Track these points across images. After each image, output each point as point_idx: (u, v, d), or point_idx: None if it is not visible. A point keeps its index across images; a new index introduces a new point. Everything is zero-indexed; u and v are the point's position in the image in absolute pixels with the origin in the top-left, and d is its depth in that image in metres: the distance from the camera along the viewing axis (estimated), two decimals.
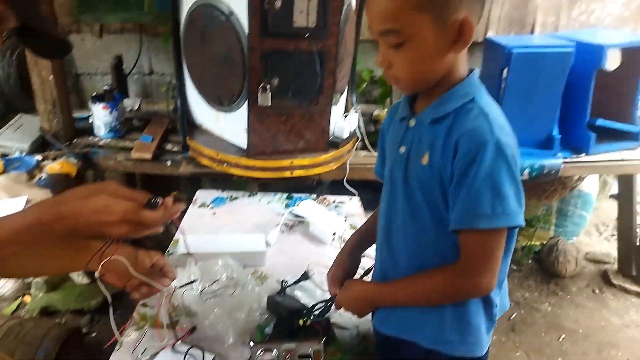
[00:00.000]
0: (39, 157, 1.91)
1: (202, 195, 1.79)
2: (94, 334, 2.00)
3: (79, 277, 2.10)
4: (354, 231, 1.54)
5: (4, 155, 1.89)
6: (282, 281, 1.32)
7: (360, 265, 1.15)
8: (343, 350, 1.05)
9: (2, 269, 0.85)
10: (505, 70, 1.93)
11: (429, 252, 0.91)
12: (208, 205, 1.73)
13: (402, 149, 0.90)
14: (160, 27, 2.53)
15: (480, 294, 0.87)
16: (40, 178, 1.79)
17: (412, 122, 0.89)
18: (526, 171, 2.01)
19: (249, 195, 1.81)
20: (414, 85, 0.87)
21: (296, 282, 1.31)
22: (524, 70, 1.92)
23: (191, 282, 1.21)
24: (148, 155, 1.98)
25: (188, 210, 1.69)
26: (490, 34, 2.66)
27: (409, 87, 0.88)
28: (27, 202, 1.56)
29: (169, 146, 2.11)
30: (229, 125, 1.89)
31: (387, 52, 0.81)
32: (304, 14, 1.58)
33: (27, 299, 2.11)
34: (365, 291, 1.01)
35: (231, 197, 1.79)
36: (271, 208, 1.73)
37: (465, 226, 0.80)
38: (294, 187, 2.24)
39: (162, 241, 2.68)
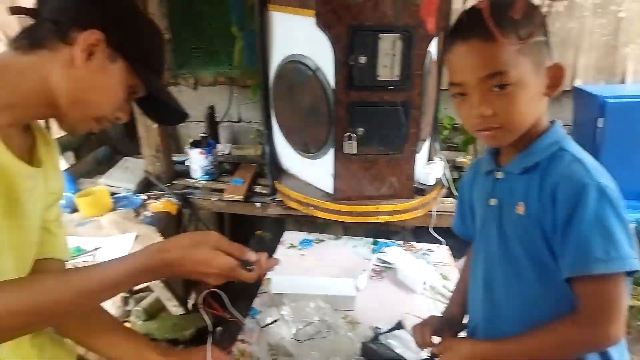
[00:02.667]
0: (143, 196, 2.08)
1: (290, 237, 1.85)
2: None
3: (174, 308, 2.21)
4: (445, 281, 1.54)
5: (113, 194, 2.08)
6: (376, 328, 1.31)
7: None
8: None
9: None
10: (600, 120, 1.87)
11: (537, 305, 0.87)
12: (296, 247, 1.78)
13: (493, 201, 0.90)
14: (248, 80, 2.73)
15: (609, 343, 0.81)
16: (145, 216, 1.94)
17: (500, 175, 0.89)
18: (632, 225, 1.89)
19: (335, 239, 1.84)
20: (516, 132, 0.83)
21: (389, 331, 1.29)
22: (621, 121, 1.85)
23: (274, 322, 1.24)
24: (240, 197, 2.09)
25: (277, 250, 1.75)
26: (578, 83, 2.59)
27: (510, 135, 0.83)
28: (136, 237, 1.70)
29: (257, 189, 2.22)
30: (315, 171, 1.97)
31: (488, 100, 0.79)
32: (388, 68, 1.65)
33: (127, 325, 2.25)
34: (475, 352, 0.92)
35: (318, 239, 1.84)
36: (357, 252, 1.75)
37: (579, 272, 0.77)
38: (376, 231, 2.25)
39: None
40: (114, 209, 1.94)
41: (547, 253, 0.82)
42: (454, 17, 0.91)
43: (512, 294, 0.90)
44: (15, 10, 0.80)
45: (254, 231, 2.97)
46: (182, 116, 0.91)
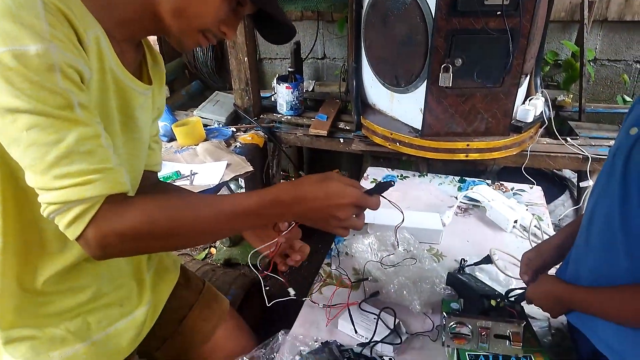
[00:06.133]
0: (233, 128, 2.17)
1: (373, 173, 1.84)
2: (267, 288, 2.22)
3: None
4: (538, 221, 1.46)
5: (205, 126, 2.18)
6: (462, 260, 1.29)
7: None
8: (537, 339, 0.98)
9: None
10: None
11: (615, 261, 0.80)
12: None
13: (634, 131, 0.78)
14: (335, 13, 2.65)
15: None
16: (235, 146, 2.03)
17: None
18: None
19: (419, 176, 1.81)
20: None
21: (477, 264, 1.27)
22: None
23: None
24: (324, 132, 2.10)
25: (360, 184, 1.76)
26: None
27: None
28: (228, 165, 1.78)
29: (341, 125, 2.21)
30: (404, 106, 1.91)
31: None
32: None
33: (213, 250, 2.44)
34: (554, 291, 0.93)
35: (401, 175, 1.81)
36: (443, 190, 1.70)
37: None
38: (462, 171, 2.18)
39: None
40: (206, 139, 2.04)
41: None
42: None
43: (602, 237, 0.84)
44: None
45: (332, 169, 3.00)
46: (291, 32, 0.88)
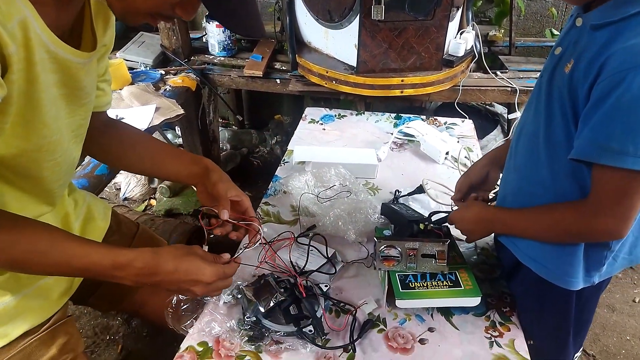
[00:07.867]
0: (162, 71, 2.04)
1: (311, 113, 1.82)
2: (211, 235, 2.20)
3: None
4: (468, 152, 1.52)
5: (131, 69, 2.04)
6: (396, 191, 1.33)
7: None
8: (462, 257, 1.04)
9: None
10: None
11: (540, 183, 0.85)
12: (317, 122, 1.76)
13: (558, 50, 0.81)
14: None
15: (608, 238, 0.80)
16: (165, 90, 1.92)
17: (579, 22, 0.78)
18: None
19: (357, 114, 1.81)
20: None
21: (410, 194, 1.31)
22: None
23: None
24: (259, 73, 2.03)
25: (299, 124, 1.74)
26: None
27: None
28: (157, 109, 1.69)
29: (277, 65, 2.14)
30: (339, 43, 1.87)
31: None
32: None
33: (153, 202, 2.37)
34: (482, 214, 0.97)
35: (339, 115, 1.80)
36: (379, 127, 1.72)
37: (584, 157, 0.73)
38: (400, 107, 2.20)
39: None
40: (133, 83, 1.91)
41: (573, 127, 0.76)
42: None
43: (527, 155, 0.88)
44: None
45: (272, 114, 2.94)
46: (253, 30, 0.73)
